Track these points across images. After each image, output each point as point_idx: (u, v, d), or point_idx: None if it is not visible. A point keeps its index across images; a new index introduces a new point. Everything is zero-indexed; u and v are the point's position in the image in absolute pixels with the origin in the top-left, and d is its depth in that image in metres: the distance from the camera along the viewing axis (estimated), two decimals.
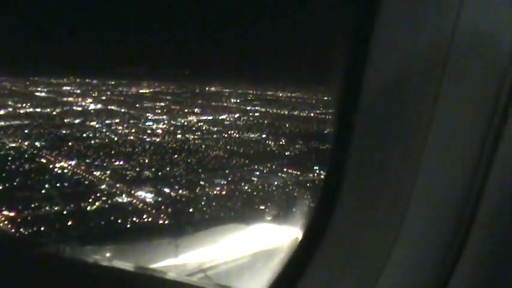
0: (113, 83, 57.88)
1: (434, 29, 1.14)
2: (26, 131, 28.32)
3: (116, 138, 28.46)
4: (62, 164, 21.47)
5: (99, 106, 42.17)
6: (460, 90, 1.15)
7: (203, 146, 27.62)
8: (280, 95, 52.94)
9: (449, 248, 1.24)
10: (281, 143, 29.05)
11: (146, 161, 23.36)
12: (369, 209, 1.27)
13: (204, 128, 33.99)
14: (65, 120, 33.55)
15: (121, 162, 22.53)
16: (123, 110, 40.14)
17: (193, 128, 33.52)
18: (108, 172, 20.89)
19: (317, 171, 22.22)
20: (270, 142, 29.30)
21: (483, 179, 1.18)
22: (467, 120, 1.17)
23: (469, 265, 1.25)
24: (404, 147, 1.21)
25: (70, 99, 45.35)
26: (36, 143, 25.30)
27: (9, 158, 22.13)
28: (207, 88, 56.78)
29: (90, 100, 44.94)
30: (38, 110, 37.32)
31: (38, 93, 47.44)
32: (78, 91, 50.54)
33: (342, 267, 1.33)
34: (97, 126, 32.35)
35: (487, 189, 1.18)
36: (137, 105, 43.32)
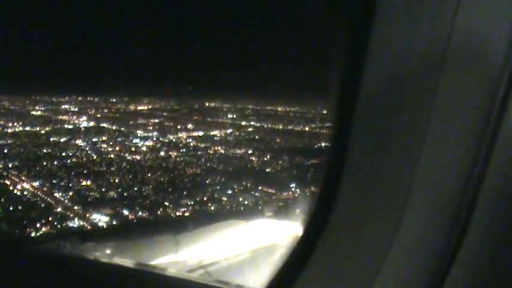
0: (113, 100, 57.56)
1: (430, 31, 1.14)
2: (4, 151, 27.82)
3: (94, 157, 27.71)
4: (24, 185, 20.75)
5: (91, 124, 41.72)
6: (456, 91, 1.15)
7: (182, 164, 26.65)
8: (279, 109, 51.93)
9: (446, 248, 1.24)
10: (265, 159, 27.90)
11: (116, 180, 22.48)
12: (367, 208, 1.27)
13: (191, 144, 33.09)
14: (50, 139, 33.02)
15: (88, 182, 21.69)
16: (114, 128, 39.58)
17: (180, 145, 32.63)
18: (70, 193, 20.06)
19: (292, 189, 21.06)
20: (253, 158, 28.18)
21: (480, 179, 1.18)
22: (464, 120, 1.17)
23: (466, 265, 1.24)
24: (402, 148, 1.21)
25: (64, 117, 45.10)
26: (9, 163, 24.69)
27: None
28: (206, 104, 56.07)
29: (84, 118, 44.57)
30: (27, 128, 36.97)
31: (34, 112, 47.40)
32: (76, 109, 50.34)
33: (342, 264, 1.33)
34: (81, 144, 31.73)
35: (483, 189, 1.18)
36: (130, 122, 42.74)
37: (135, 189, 21.23)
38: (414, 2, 1.16)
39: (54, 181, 21.67)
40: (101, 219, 17.43)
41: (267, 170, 25.33)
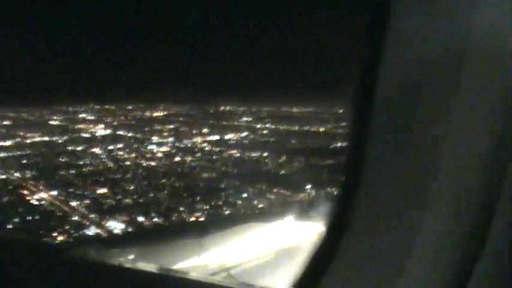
0: (130, 107, 58.16)
1: (448, 32, 1.13)
2: (23, 161, 28.22)
3: (111, 164, 27.92)
4: (42, 194, 20.96)
5: (108, 132, 42.11)
6: (475, 92, 1.14)
7: (197, 168, 26.64)
8: (294, 110, 51.65)
9: (467, 248, 1.24)
10: (280, 161, 27.68)
11: (132, 187, 22.56)
12: (387, 209, 1.26)
13: (206, 149, 33.09)
14: (68, 148, 33.40)
15: (104, 190, 21.80)
16: (129, 135, 39.87)
17: (195, 150, 32.65)
18: (86, 201, 20.18)
19: (308, 191, 20.80)
20: (269, 161, 27.99)
21: (500, 181, 1.17)
22: (483, 121, 1.16)
23: (488, 267, 1.24)
24: (421, 150, 1.20)
25: (81, 126, 45.65)
26: (27, 174, 25.02)
27: None
28: (221, 108, 56.11)
29: (101, 126, 45.06)
30: (46, 139, 37.49)
31: (51, 122, 48.14)
32: (92, 117, 50.93)
33: (364, 266, 1.32)
34: (98, 152, 32.01)
35: (504, 194, 1.18)
36: (146, 129, 43.01)
37: (150, 195, 21.26)
38: (430, 4, 1.17)
39: (70, 190, 21.86)
40: (116, 226, 17.47)
41: (281, 172, 25.12)
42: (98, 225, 17.63)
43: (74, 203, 20.01)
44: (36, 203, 20.00)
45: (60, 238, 16.13)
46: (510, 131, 1.17)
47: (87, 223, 17.86)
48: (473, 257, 1.26)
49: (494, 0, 1.16)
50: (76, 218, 18.33)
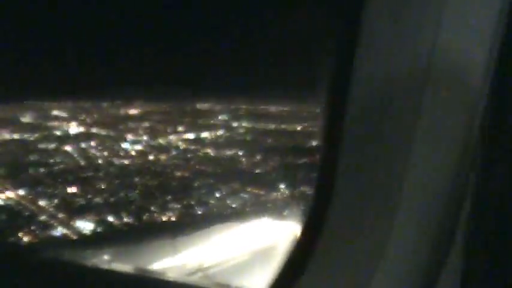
0: (105, 104, 57.00)
1: (413, 47, 1.21)
2: None
3: (83, 163, 27.38)
4: (9, 194, 20.36)
5: (81, 129, 41.28)
6: (439, 104, 1.23)
7: (171, 167, 26.36)
8: (272, 108, 51.55)
9: (437, 249, 1.35)
10: (255, 160, 27.62)
11: (103, 186, 22.13)
12: (362, 209, 1.37)
13: (181, 147, 32.78)
14: (38, 146, 32.58)
15: (74, 189, 21.32)
16: (103, 133, 39.19)
17: (169, 148, 32.30)
18: (55, 201, 19.69)
19: (281, 190, 20.76)
20: (243, 159, 27.90)
21: (466, 182, 1.30)
22: (449, 132, 1.26)
23: (460, 262, 1.37)
24: (392, 151, 1.29)
25: (54, 123, 44.58)
26: None
27: None
28: (198, 105, 55.62)
29: (74, 123, 44.08)
30: (15, 136, 36.50)
31: (23, 119, 46.86)
32: (66, 115, 49.78)
33: (340, 265, 1.42)
34: (69, 150, 31.34)
35: (471, 189, 1.30)
36: (120, 127, 42.33)
37: (121, 194, 20.91)
38: (397, 19, 1.24)
39: (39, 189, 21.30)
40: (84, 226, 17.08)
41: (256, 171, 25.06)
42: (67, 225, 17.21)
43: (42, 203, 19.50)
44: (2, 202, 19.42)
45: (25, 239, 15.68)
46: (472, 143, 1.28)
47: (55, 223, 17.42)
48: (443, 258, 1.37)
49: (459, 17, 1.21)
50: (43, 217, 17.85)
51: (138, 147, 32.50)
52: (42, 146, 32.64)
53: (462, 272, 1.38)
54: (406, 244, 1.36)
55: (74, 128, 40.29)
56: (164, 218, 18.22)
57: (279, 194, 21.11)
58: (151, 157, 29.05)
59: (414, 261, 1.37)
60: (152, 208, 19.09)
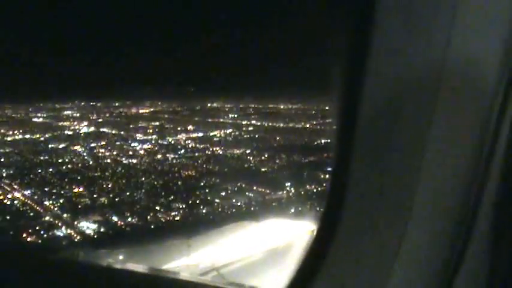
0: (116, 104, 57.56)
1: (426, 50, 1.20)
2: (1, 160, 27.70)
3: (91, 162, 27.49)
4: (16, 194, 20.50)
5: (91, 129, 41.51)
6: (453, 107, 1.22)
7: (178, 166, 26.27)
8: (282, 107, 51.38)
9: (452, 249, 1.30)
10: (263, 158, 27.41)
11: (109, 185, 22.15)
12: (375, 211, 1.32)
13: (189, 146, 32.74)
14: (49, 146, 32.84)
15: (81, 189, 21.38)
16: (113, 132, 39.38)
17: (178, 147, 32.27)
18: (61, 201, 19.75)
19: (287, 188, 20.56)
20: (251, 158, 27.71)
21: (480, 186, 1.26)
22: (463, 131, 1.26)
23: (473, 264, 1.31)
24: (405, 155, 1.27)
25: (66, 123, 44.98)
26: (3, 173, 24.52)
27: None
28: (208, 104, 55.69)
29: (85, 123, 44.39)
30: (27, 136, 36.86)
31: (35, 119, 47.46)
32: (77, 115, 50.29)
33: (354, 266, 1.38)
34: (79, 150, 31.52)
35: (484, 192, 1.27)
36: (131, 126, 42.52)
37: (127, 194, 20.89)
38: (410, 20, 1.20)
39: (46, 189, 21.40)
40: (88, 226, 17.07)
41: (262, 170, 24.88)
42: (70, 225, 17.24)
43: (48, 203, 19.57)
44: (9, 202, 19.54)
45: (29, 239, 15.73)
46: (486, 143, 1.24)
47: (59, 223, 17.45)
48: (458, 257, 1.32)
49: (473, 18, 1.18)
50: (48, 218, 17.90)
51: (147, 146, 32.52)
52: (55, 145, 32.87)
53: (486, 275, 1.32)
54: (419, 247, 1.33)
55: (84, 128, 40.58)
56: (177, 218, 18.14)
57: (281, 192, 20.89)
58: (158, 156, 29.05)
59: (428, 264, 1.35)
60: (163, 208, 19.02)
